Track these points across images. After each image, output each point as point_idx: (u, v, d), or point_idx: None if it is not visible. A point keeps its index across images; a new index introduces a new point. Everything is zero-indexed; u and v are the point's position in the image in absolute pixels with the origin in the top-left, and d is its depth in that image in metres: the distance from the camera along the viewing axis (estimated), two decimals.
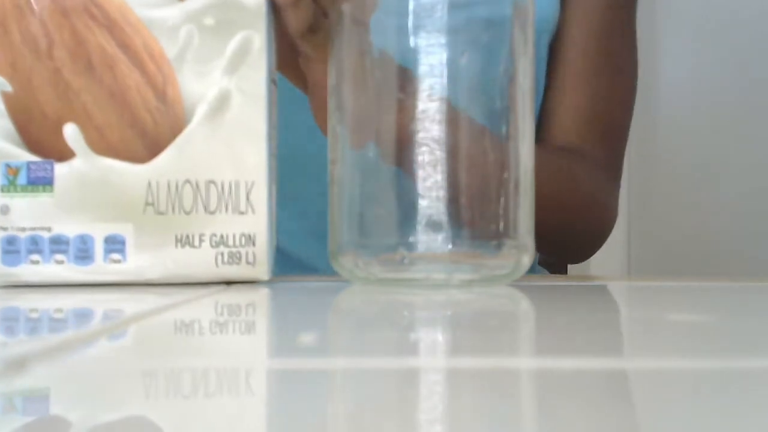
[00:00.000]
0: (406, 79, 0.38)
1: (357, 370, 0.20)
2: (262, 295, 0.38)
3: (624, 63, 0.73)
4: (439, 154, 0.37)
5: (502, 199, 0.38)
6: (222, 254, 0.40)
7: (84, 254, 0.39)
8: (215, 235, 0.40)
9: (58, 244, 0.39)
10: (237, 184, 0.40)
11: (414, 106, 0.37)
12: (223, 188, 0.40)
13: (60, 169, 0.39)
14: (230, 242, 0.40)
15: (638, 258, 1.53)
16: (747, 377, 0.19)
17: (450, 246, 0.37)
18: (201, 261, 0.40)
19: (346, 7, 0.39)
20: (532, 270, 0.75)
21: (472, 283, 0.38)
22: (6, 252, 0.39)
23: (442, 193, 0.37)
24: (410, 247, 0.37)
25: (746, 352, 0.23)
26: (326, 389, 0.19)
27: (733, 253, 1.36)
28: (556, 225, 0.67)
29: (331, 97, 0.40)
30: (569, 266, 0.86)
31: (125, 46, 0.40)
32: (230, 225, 0.40)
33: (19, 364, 0.20)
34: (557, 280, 0.49)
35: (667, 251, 1.47)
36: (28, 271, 0.39)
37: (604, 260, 1.64)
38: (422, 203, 0.37)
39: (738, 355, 0.22)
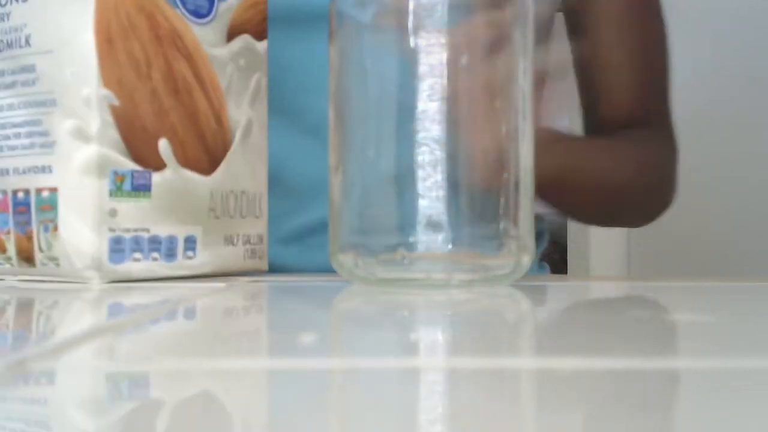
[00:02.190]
0: (405, 79, 0.38)
1: (356, 370, 0.20)
2: (263, 292, 0.38)
3: (662, 24, 0.74)
4: (439, 154, 0.37)
5: (503, 199, 0.38)
6: (247, 251, 0.50)
7: (171, 252, 0.45)
8: (244, 235, 0.49)
9: (154, 243, 0.44)
10: (254, 194, 0.50)
11: (414, 107, 0.37)
12: (248, 197, 0.50)
13: (155, 177, 0.44)
14: (251, 241, 0.50)
15: (638, 258, 1.53)
16: (747, 377, 0.19)
17: (450, 246, 0.37)
18: (236, 256, 0.49)
19: (343, 6, 0.39)
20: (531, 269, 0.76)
21: (472, 283, 0.38)
22: (113, 251, 0.43)
23: (441, 193, 0.37)
24: (410, 247, 0.37)
25: (746, 352, 0.23)
26: (326, 389, 0.19)
27: (733, 253, 1.36)
28: (633, 206, 0.71)
29: (331, 102, 0.40)
30: (569, 266, 0.86)
31: (198, 76, 0.47)
32: (251, 227, 0.50)
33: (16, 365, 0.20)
34: (557, 280, 0.49)
35: (667, 251, 1.47)
36: (130, 267, 0.43)
37: (604, 260, 1.64)
38: (422, 203, 0.37)
39: (738, 355, 0.22)
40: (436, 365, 0.21)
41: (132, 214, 0.43)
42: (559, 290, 0.42)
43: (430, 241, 0.37)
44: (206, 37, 0.47)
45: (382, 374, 0.20)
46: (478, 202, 0.38)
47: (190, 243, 0.46)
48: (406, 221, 0.37)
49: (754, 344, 0.24)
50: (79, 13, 0.42)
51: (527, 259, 0.38)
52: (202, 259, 0.47)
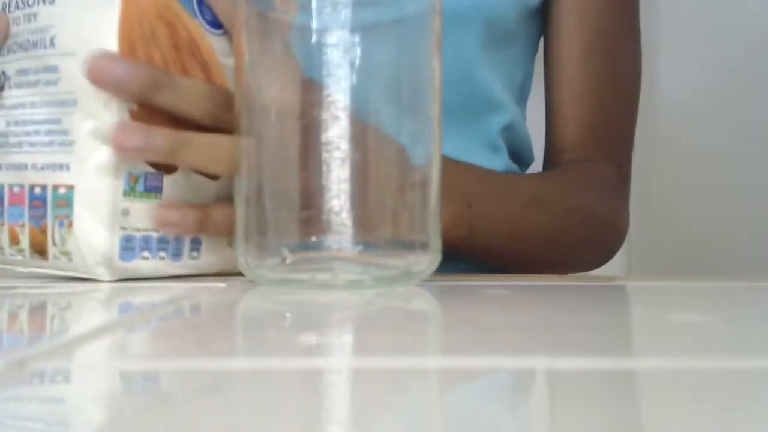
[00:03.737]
0: (310, 88, 0.37)
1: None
2: (263, 292, 0.38)
3: (626, 64, 0.71)
4: (326, 156, 0.36)
5: (393, 201, 0.37)
6: None
7: (177, 252, 0.46)
8: None
9: (162, 243, 0.45)
10: None
11: (317, 115, 0.36)
12: None
13: (166, 179, 0.45)
14: None
15: (638, 258, 1.53)
16: (747, 377, 0.19)
17: (358, 246, 0.36)
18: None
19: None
20: None
21: (360, 284, 0.37)
22: (124, 249, 0.44)
23: (348, 194, 0.36)
24: (295, 248, 0.36)
25: (746, 352, 0.23)
26: (325, 387, 0.19)
27: (733, 253, 1.36)
28: (565, 255, 0.66)
29: (237, 99, 0.39)
30: None
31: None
32: None
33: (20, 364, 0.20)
34: (557, 280, 0.49)
35: (667, 251, 1.47)
36: (138, 265, 0.45)
37: None
38: (328, 203, 0.36)
39: (738, 355, 0.22)
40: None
41: (143, 214, 0.44)
42: (559, 290, 0.42)
43: (337, 241, 0.36)
44: (221, 48, 0.47)
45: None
46: (367, 204, 0.37)
47: (196, 244, 0.47)
48: (311, 222, 0.36)
49: (755, 344, 0.24)
50: (104, 17, 0.43)
51: (424, 261, 0.37)
52: (207, 259, 0.48)
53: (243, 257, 0.39)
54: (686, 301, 0.37)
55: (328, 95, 0.36)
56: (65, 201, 0.44)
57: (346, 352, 0.24)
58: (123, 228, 0.44)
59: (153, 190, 0.44)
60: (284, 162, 0.38)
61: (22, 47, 0.45)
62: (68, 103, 0.43)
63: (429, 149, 0.38)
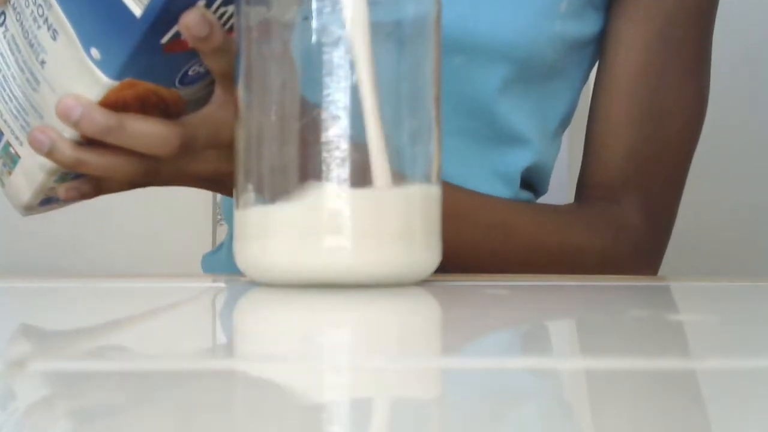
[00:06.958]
0: (310, 74, 0.37)
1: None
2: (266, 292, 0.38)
3: (684, 95, 0.65)
4: (326, 155, 0.36)
5: (409, 196, 0.37)
6: None
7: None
8: None
9: None
10: None
11: (319, 101, 0.36)
12: None
13: None
14: None
15: None
16: (747, 377, 0.19)
17: (356, 244, 0.36)
18: None
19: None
20: None
21: (360, 284, 0.37)
22: (43, 202, 0.50)
23: (346, 190, 0.36)
24: (294, 246, 0.36)
25: (746, 352, 0.23)
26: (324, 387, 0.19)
27: (734, 253, 1.36)
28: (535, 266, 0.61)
29: (239, 90, 0.39)
30: None
31: None
32: None
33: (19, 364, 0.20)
34: (557, 280, 0.49)
35: (667, 251, 1.46)
36: (52, 206, 0.52)
37: None
38: (327, 201, 0.36)
39: (738, 355, 0.22)
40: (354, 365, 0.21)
41: (66, 187, 0.49)
42: (560, 290, 0.42)
43: (337, 240, 0.36)
44: (189, 92, 0.47)
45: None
46: (384, 200, 0.37)
47: None
48: (310, 218, 0.36)
49: (754, 344, 0.24)
50: (90, 89, 0.44)
51: (424, 263, 0.37)
52: None
53: (243, 256, 0.39)
54: (686, 301, 0.37)
55: (328, 95, 0.36)
56: (11, 158, 0.49)
57: (346, 352, 0.24)
58: (46, 195, 0.49)
59: (82, 176, 0.48)
60: (284, 161, 0.37)
61: (24, 29, 0.46)
62: (38, 111, 0.46)
63: (429, 149, 0.38)
